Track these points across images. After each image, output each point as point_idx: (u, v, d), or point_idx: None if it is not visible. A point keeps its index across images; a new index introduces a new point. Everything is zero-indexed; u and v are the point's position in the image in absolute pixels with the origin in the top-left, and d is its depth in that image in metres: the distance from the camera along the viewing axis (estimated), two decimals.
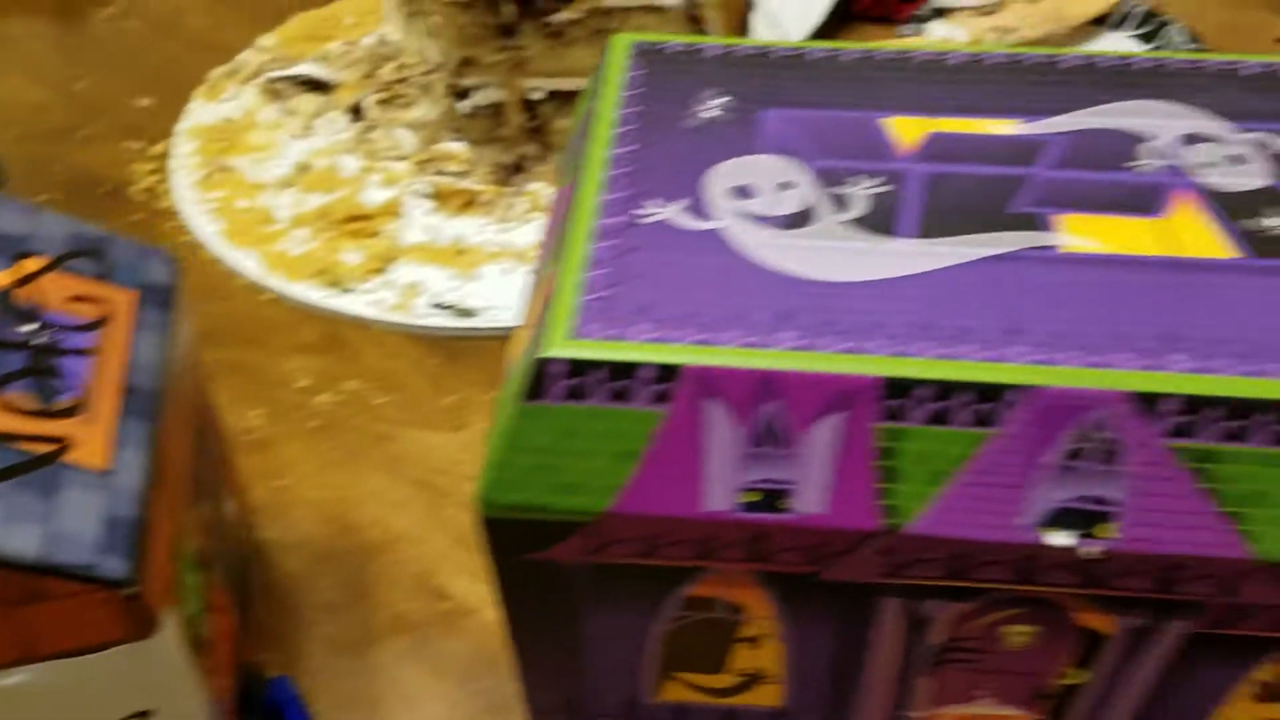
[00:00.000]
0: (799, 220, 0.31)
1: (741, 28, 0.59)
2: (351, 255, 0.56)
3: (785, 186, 0.32)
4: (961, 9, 0.68)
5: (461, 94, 0.59)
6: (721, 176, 0.32)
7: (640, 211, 0.31)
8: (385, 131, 0.63)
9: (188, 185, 0.62)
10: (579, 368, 0.27)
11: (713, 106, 0.34)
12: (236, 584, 0.40)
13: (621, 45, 0.36)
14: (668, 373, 0.27)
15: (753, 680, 0.34)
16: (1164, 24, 0.69)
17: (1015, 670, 0.32)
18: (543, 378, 0.27)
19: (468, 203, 0.58)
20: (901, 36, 0.67)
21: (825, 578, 0.30)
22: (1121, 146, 0.33)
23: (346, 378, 0.51)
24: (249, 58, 0.72)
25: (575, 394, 0.27)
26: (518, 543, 0.29)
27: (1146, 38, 0.69)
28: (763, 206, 0.31)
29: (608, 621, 0.32)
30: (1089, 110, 0.34)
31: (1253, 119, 0.34)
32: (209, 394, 0.40)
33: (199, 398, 0.39)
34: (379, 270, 0.55)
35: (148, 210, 0.61)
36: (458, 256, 0.55)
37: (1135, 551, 0.27)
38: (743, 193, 0.31)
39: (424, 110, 0.62)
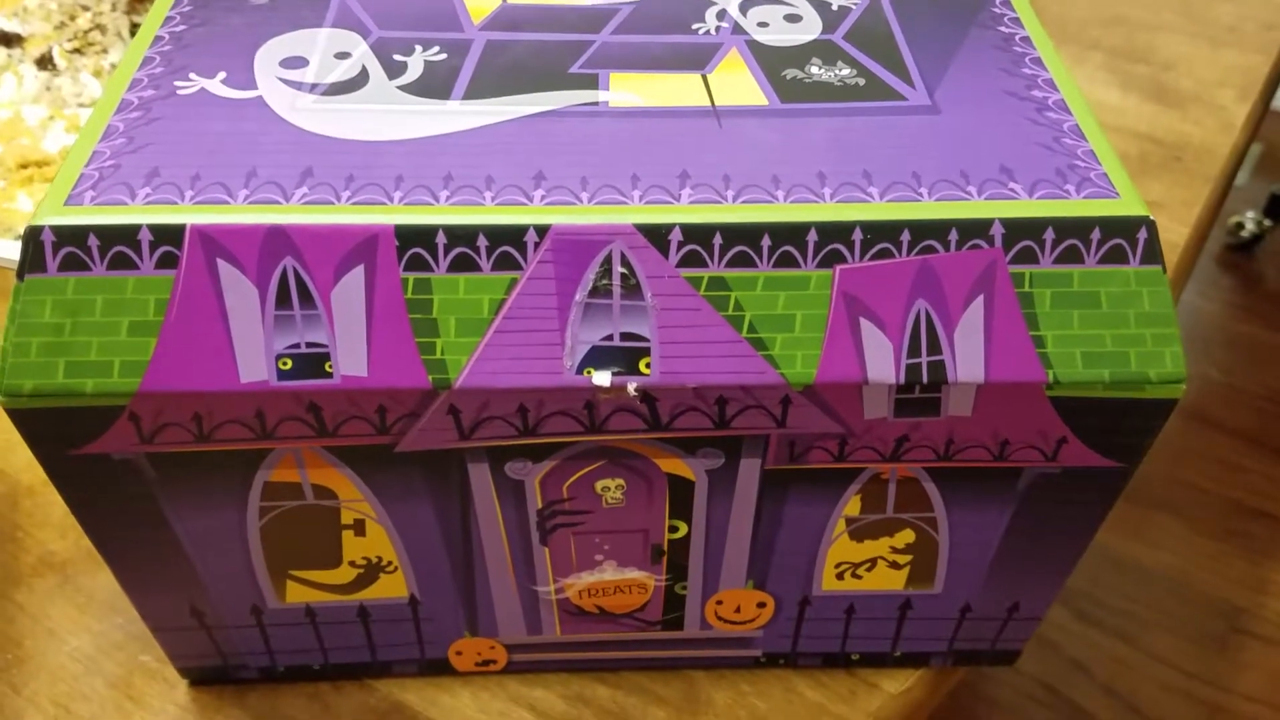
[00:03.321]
0: (348, 86, 0.30)
1: None
2: (26, 202, 0.53)
3: (341, 56, 0.31)
4: None
5: None
6: (274, 49, 0.31)
7: (182, 82, 0.30)
8: (72, 79, 0.60)
9: None
10: (73, 234, 0.26)
11: None
12: None
13: None
14: (170, 234, 0.26)
15: (373, 570, 0.33)
16: None
17: (622, 529, 0.33)
18: (38, 249, 0.26)
19: None
20: None
21: (402, 449, 0.29)
22: (686, 11, 0.33)
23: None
24: None
25: (74, 263, 0.26)
26: (60, 436, 0.28)
27: None
28: (312, 75, 0.30)
29: (198, 521, 0.31)
30: None
31: None
32: None
33: None
34: None
35: None
36: None
37: (673, 385, 0.27)
38: (293, 63, 0.31)
39: (115, 56, 0.60)
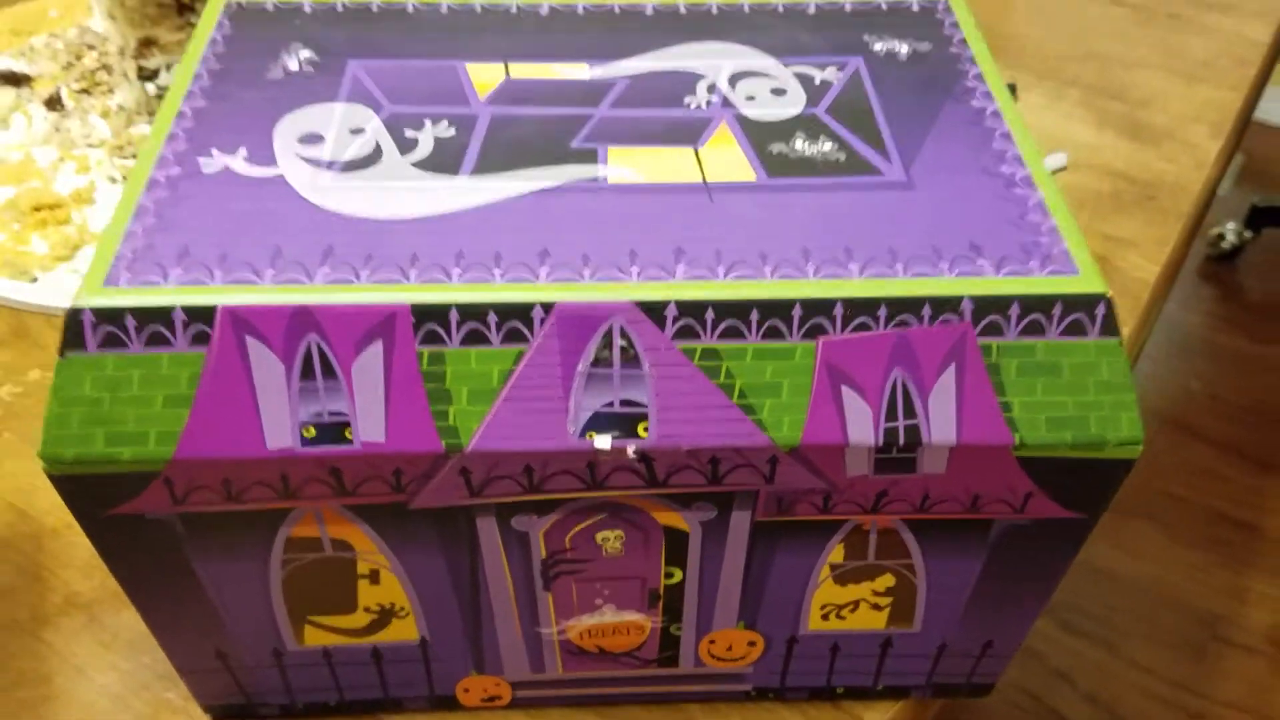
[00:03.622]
0: (363, 163, 0.32)
1: None
2: (40, 245, 0.55)
3: (356, 132, 0.33)
4: None
5: (150, 75, 0.58)
6: (291, 125, 0.33)
7: (205, 159, 0.32)
8: (81, 120, 0.61)
9: None
10: (111, 315, 0.28)
11: (297, 60, 0.35)
12: None
13: (214, 3, 0.37)
14: (202, 314, 0.28)
15: (386, 615, 0.35)
16: None
17: (622, 575, 0.35)
18: (78, 329, 0.28)
19: None
20: None
21: (415, 506, 0.31)
22: (678, 85, 0.36)
23: (29, 368, 0.50)
24: None
25: (113, 342, 0.28)
26: (97, 498, 0.30)
27: None
28: (329, 152, 0.32)
29: (223, 573, 0.33)
30: (657, 53, 0.37)
31: (802, 53, 0.37)
32: None
33: None
34: (67, 257, 0.54)
35: None
36: None
37: (669, 447, 0.29)
38: (310, 140, 0.33)
39: (121, 96, 0.61)
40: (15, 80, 0.65)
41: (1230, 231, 1.78)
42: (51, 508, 0.46)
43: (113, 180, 0.58)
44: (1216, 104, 0.68)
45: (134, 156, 0.59)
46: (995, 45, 0.73)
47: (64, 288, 0.53)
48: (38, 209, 0.56)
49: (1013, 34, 0.74)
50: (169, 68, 0.58)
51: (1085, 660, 1.27)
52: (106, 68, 0.65)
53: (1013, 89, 0.67)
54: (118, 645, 0.41)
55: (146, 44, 0.56)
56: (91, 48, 0.66)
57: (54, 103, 0.63)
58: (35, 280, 0.53)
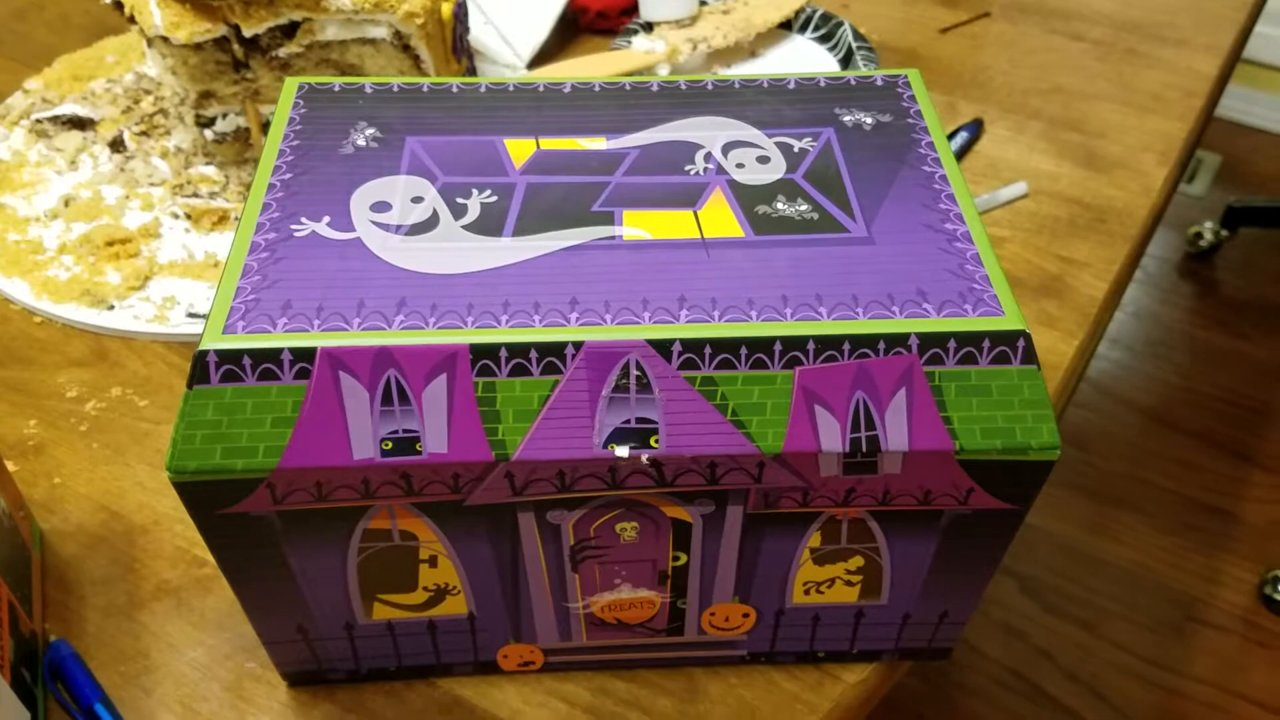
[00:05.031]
0: (424, 227, 0.39)
1: (454, 53, 0.67)
2: (114, 275, 0.62)
3: (416, 200, 0.40)
4: (663, 23, 0.77)
5: (208, 122, 0.65)
6: (364, 194, 0.40)
7: (296, 226, 0.39)
8: (143, 160, 0.68)
9: None
10: (232, 356, 0.35)
11: (363, 136, 0.42)
12: (9, 567, 0.46)
13: (290, 87, 0.44)
14: (305, 355, 0.35)
15: (441, 593, 0.43)
16: (839, 24, 0.80)
17: (636, 559, 0.42)
18: (203, 367, 0.35)
19: (220, 220, 0.64)
20: (615, 49, 0.76)
21: (470, 503, 0.38)
22: (680, 154, 0.43)
23: (111, 385, 0.57)
24: (16, 101, 0.76)
25: (231, 377, 0.35)
26: (210, 501, 0.37)
27: (825, 38, 0.80)
28: (396, 218, 0.39)
29: (309, 559, 0.40)
30: (662, 126, 0.44)
31: (783, 125, 0.44)
32: None
33: None
34: (139, 287, 0.61)
35: None
36: (212, 269, 0.62)
37: (676, 455, 0.37)
38: (380, 207, 0.40)
39: (178, 138, 0.68)
40: (81, 124, 0.72)
41: (1208, 230, 1.85)
42: (139, 507, 0.53)
43: (175, 216, 0.65)
44: (1164, 134, 0.75)
45: (194, 195, 0.66)
46: (966, 80, 0.80)
47: (138, 314, 0.60)
48: (110, 243, 0.63)
49: (982, 67, 0.81)
50: (225, 116, 0.65)
51: (1067, 640, 1.35)
52: (163, 112, 0.72)
53: (980, 124, 0.74)
54: (204, 625, 0.48)
55: (205, 96, 0.63)
56: (148, 92, 0.73)
57: (117, 145, 0.70)
58: (111, 308, 0.60)
